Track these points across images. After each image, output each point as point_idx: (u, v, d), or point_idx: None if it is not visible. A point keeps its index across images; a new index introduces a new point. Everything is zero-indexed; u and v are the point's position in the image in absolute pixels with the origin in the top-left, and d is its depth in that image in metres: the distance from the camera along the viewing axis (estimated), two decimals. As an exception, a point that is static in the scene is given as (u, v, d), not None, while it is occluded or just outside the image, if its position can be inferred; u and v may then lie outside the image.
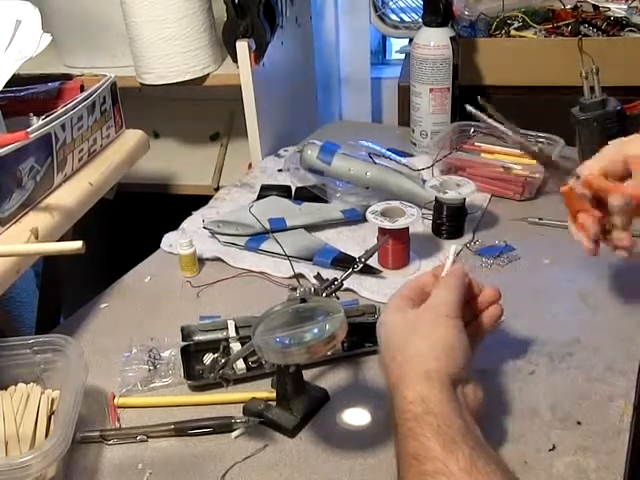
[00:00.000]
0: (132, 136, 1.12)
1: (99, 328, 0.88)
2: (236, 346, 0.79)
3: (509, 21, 1.40)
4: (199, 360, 0.80)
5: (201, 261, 0.99)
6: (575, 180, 0.75)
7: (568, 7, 1.39)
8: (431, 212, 1.02)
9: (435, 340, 0.61)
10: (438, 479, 0.51)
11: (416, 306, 0.66)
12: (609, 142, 0.79)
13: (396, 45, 1.88)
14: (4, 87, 0.88)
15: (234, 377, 0.75)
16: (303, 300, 0.70)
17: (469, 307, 0.69)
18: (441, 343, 0.61)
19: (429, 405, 0.56)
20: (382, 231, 0.92)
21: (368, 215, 0.94)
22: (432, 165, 1.11)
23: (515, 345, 0.79)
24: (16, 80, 0.92)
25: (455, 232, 1.01)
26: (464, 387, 0.61)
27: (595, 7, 1.38)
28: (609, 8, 1.37)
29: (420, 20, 1.25)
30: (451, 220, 1.01)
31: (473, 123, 1.21)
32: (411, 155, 1.25)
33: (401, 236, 0.93)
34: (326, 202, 1.10)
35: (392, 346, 0.64)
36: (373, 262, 0.93)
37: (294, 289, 0.71)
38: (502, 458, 0.60)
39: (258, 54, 1.25)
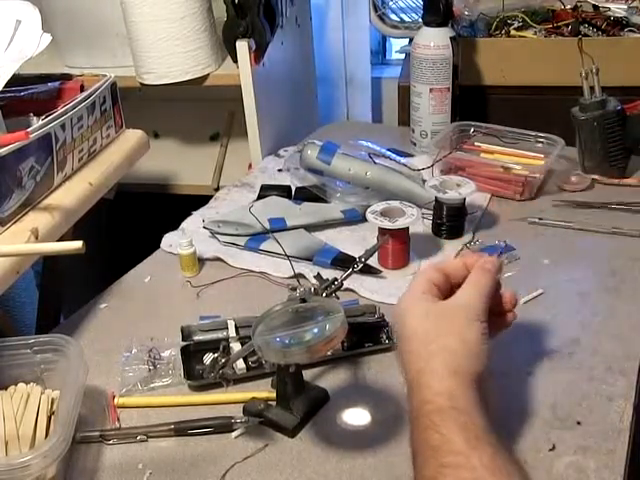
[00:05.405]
0: (132, 136, 1.11)
1: (99, 328, 0.88)
2: (236, 346, 0.79)
3: (509, 21, 1.40)
4: (199, 360, 0.80)
5: (201, 261, 0.99)
6: None
7: (568, 7, 1.39)
8: (431, 212, 1.02)
9: (468, 340, 0.60)
10: (459, 472, 0.51)
11: (442, 296, 0.65)
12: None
13: (396, 45, 1.87)
14: (4, 87, 0.88)
15: (234, 377, 0.75)
16: (303, 300, 0.70)
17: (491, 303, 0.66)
18: (473, 344, 0.60)
19: (457, 400, 0.55)
20: (382, 231, 0.92)
21: (368, 215, 0.94)
22: (432, 165, 1.11)
23: (515, 345, 0.79)
24: (16, 80, 0.92)
25: (455, 232, 1.01)
26: (486, 388, 0.60)
27: (595, 7, 1.38)
28: (609, 8, 1.37)
29: (420, 20, 1.25)
30: (451, 220, 1.00)
31: (473, 123, 1.21)
32: (411, 155, 1.25)
33: (401, 236, 0.93)
34: (326, 202, 1.10)
35: (419, 333, 0.62)
36: (373, 262, 0.93)
37: (294, 289, 0.71)
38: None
39: (258, 54, 1.25)
